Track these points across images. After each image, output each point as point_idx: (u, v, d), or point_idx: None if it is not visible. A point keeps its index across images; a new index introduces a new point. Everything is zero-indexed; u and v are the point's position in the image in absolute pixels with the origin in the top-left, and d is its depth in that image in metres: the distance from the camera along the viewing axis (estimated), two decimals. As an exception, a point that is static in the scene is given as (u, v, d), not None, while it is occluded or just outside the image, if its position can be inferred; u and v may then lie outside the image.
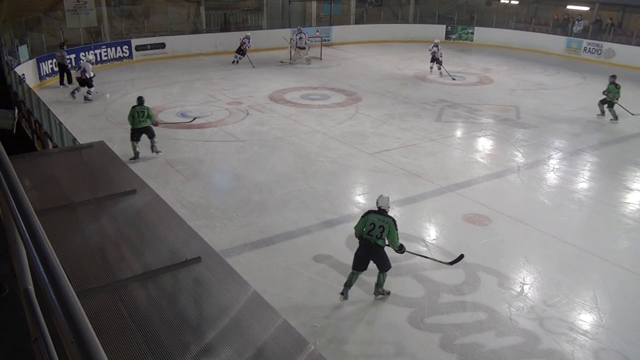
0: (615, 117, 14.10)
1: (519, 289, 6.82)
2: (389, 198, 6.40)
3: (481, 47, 25.20)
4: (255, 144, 11.67)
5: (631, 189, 10.17)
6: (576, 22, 24.61)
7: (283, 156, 11.09)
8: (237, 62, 19.74)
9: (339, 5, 26.50)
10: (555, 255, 7.69)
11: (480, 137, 12.81)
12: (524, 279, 7.07)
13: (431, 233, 8.24)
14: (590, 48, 22.85)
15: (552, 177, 10.57)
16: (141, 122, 10.43)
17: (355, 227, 6.34)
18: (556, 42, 24.18)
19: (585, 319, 6.30)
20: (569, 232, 8.32)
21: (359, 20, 26.87)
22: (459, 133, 13.18)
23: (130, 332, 2.36)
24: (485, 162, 11.22)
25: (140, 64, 19.64)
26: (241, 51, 19.83)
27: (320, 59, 21.26)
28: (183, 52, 20.74)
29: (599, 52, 22.56)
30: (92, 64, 15.08)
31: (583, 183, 10.45)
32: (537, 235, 8.22)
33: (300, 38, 20.44)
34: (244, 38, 19.99)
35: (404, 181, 10.00)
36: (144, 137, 10.57)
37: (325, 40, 23.23)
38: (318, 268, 7.14)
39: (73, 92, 14.81)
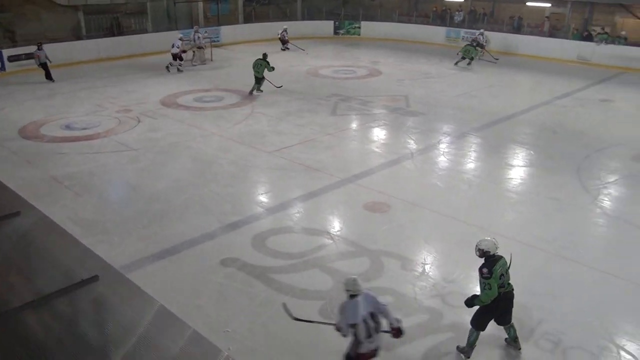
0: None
1: (420, 270, 7.16)
2: (494, 240, 5.46)
3: (369, 41, 26.02)
4: (150, 152, 11.28)
5: (512, 165, 11.01)
6: (456, 12, 26.14)
7: (180, 162, 10.82)
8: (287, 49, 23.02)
9: (226, 5, 26.18)
10: (452, 234, 8.17)
11: (374, 127, 13.26)
12: (424, 259, 7.44)
13: (335, 225, 8.42)
14: (467, 37, 24.31)
15: (443, 161, 11.18)
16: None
17: (491, 292, 5.22)
18: (437, 33, 25.54)
19: (482, 291, 6.74)
20: (462, 211, 8.85)
21: (247, 19, 26.73)
22: (354, 125, 13.54)
23: (24, 365, 2.21)
24: (380, 151, 11.63)
25: (16, 75, 18.22)
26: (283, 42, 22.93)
27: (211, 60, 20.91)
28: (63, 60, 19.50)
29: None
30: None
31: (470, 164, 11.16)
32: (434, 216, 8.68)
33: (198, 37, 20.03)
34: (282, 32, 23.10)
35: (304, 176, 10.13)
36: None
37: (214, 41, 22.87)
38: (226, 272, 7.06)
39: None
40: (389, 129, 13.18)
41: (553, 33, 23.53)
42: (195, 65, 19.81)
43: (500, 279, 5.24)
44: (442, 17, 26.55)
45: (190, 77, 18.26)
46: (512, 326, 5.66)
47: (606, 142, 12.22)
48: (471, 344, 5.59)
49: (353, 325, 4.71)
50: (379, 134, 12.91)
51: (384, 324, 4.87)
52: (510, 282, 5.41)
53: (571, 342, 5.81)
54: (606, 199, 9.42)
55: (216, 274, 7.03)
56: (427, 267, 7.23)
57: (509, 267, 5.47)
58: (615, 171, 10.65)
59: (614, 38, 21.40)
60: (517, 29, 24.42)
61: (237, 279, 6.92)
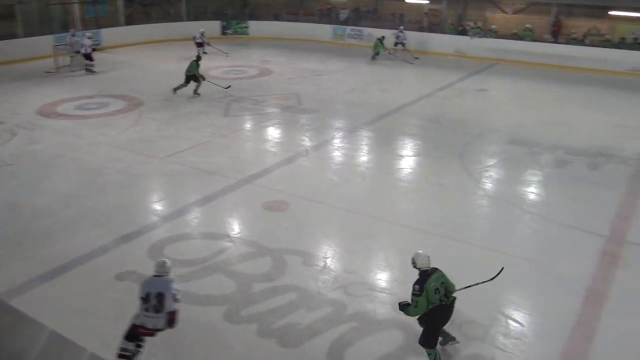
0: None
1: (322, 264, 7.29)
2: (428, 256, 5.36)
3: (257, 40, 25.95)
4: (29, 166, 10.47)
5: (402, 156, 11.52)
6: (341, 10, 26.79)
7: (65, 174, 10.16)
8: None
9: (104, 7, 24.89)
10: (349, 226, 8.39)
11: (268, 126, 13.26)
12: (325, 253, 7.58)
13: (234, 227, 8.34)
14: (353, 34, 25.04)
15: (337, 156, 11.44)
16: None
17: (414, 311, 5.24)
18: (324, 31, 26.01)
19: (381, 278, 7.02)
20: (358, 203, 9.12)
21: (129, 21, 25.55)
22: (247, 125, 13.46)
23: None
24: (276, 150, 11.67)
25: None
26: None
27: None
28: None
29: (361, 37, 24.84)
30: None
31: (363, 157, 11.52)
32: (332, 210, 8.86)
33: (76, 41, 18.79)
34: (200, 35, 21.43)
35: (200, 180, 9.92)
36: None
37: (95, 45, 21.67)
38: (122, 286, 6.74)
39: None
40: (283, 128, 13.26)
41: (432, 28, 24.85)
42: (74, 72, 18.65)
43: (435, 293, 5.17)
44: (328, 15, 27.11)
45: (70, 84, 17.16)
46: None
47: (484, 128, 13.14)
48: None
49: (140, 298, 5.25)
50: (273, 133, 12.94)
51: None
52: (452, 294, 5.39)
53: (465, 317, 6.18)
54: (487, 181, 10.13)
55: (112, 289, 6.69)
56: (328, 261, 7.37)
57: (491, 279, 5.54)
58: (493, 155, 11.47)
59: (486, 32, 23.01)
60: (400, 25, 25.50)
61: (135, 292, 6.62)
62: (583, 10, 22.83)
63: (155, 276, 5.40)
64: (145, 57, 20.67)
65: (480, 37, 22.53)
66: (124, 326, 5.26)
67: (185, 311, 6.25)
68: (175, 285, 5.36)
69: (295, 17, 28.00)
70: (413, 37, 21.94)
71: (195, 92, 15.66)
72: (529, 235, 8.22)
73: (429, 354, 5.35)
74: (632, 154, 11.47)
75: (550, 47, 21.54)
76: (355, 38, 24.96)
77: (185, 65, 15.56)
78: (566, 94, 16.92)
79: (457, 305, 5.54)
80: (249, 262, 7.32)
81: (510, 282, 6.92)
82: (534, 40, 22.00)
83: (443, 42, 23.26)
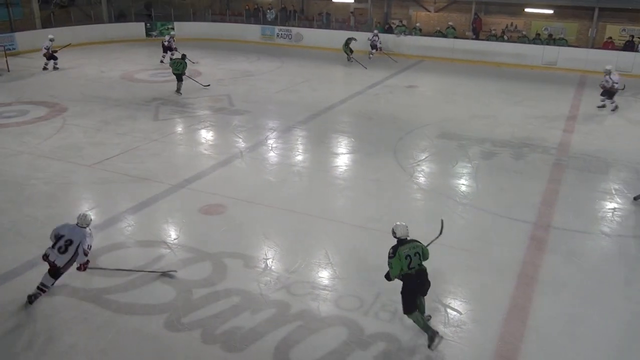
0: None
1: (263, 265, 7.24)
2: (406, 226, 5.91)
3: (184, 42, 25.28)
4: (-57, 180, 9.78)
5: (337, 153, 11.64)
6: (267, 10, 26.69)
7: (-17, 187, 9.56)
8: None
9: (18, 9, 23.57)
10: (289, 226, 8.39)
11: (200, 129, 13.02)
12: (266, 254, 7.53)
13: (171, 233, 8.13)
14: (281, 34, 25.02)
15: (272, 156, 11.39)
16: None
17: (391, 273, 5.78)
18: (252, 31, 25.84)
19: (323, 275, 7.06)
20: (296, 202, 9.13)
21: (46, 24, 24.28)
22: (179, 129, 13.16)
23: None
24: (210, 153, 11.48)
25: None
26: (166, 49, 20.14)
27: (8, 70, 18.70)
28: None
29: (290, 37, 24.88)
30: None
31: (299, 156, 11.53)
32: (270, 211, 8.82)
33: None
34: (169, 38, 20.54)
35: (132, 187, 9.61)
36: None
37: (9, 50, 20.50)
38: (54, 302, 6.42)
39: None
40: (216, 130, 13.05)
41: (359, 27, 25.24)
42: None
43: (406, 259, 5.68)
44: (255, 15, 26.95)
45: (-17, 91, 16.14)
46: (423, 300, 5.99)
47: (415, 124, 13.50)
48: (423, 327, 5.78)
49: (54, 235, 6.36)
50: (206, 135, 12.72)
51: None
52: (422, 263, 5.82)
53: (406, 309, 6.33)
54: (420, 175, 10.41)
55: (43, 305, 6.36)
56: (269, 262, 7.33)
57: (440, 234, 6.37)
58: (425, 149, 11.81)
59: (411, 30, 23.63)
60: (327, 25, 25.75)
61: (69, 306, 6.35)
62: (500, 8, 23.92)
63: (76, 224, 6.36)
64: (66, 61, 19.71)
65: (406, 35, 23.11)
66: (59, 343, 5.03)
67: (124, 322, 6.08)
68: (89, 240, 6.29)
69: (221, 17, 27.67)
70: (341, 36, 22.15)
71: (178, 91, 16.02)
72: (463, 225, 8.52)
73: (414, 320, 5.82)
74: (553, 144, 12.14)
75: (471, 43, 22.43)
76: (285, 38, 24.97)
77: (108, 69, 15.00)
78: (489, 88, 17.66)
79: (396, 297, 5.69)
80: (188, 268, 7.16)
81: (446, 272, 7.17)
82: (457, 37, 22.83)
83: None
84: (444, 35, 22.84)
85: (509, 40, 22.09)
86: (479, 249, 7.77)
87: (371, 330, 6.00)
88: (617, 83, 14.30)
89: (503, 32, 23.03)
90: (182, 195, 9.37)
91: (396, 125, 13.37)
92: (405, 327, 6.02)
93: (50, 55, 18.98)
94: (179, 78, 15.91)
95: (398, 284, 5.79)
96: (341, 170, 10.72)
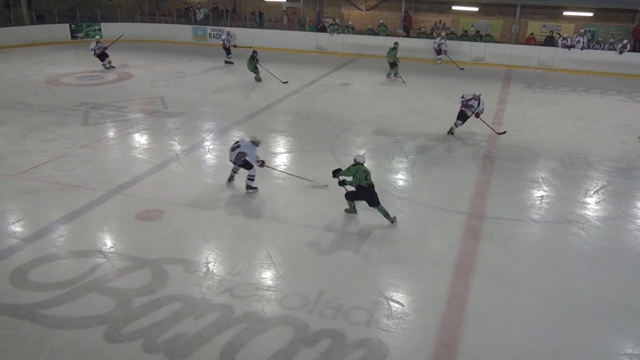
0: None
1: (205, 269, 7.12)
2: (363, 155, 8.43)
3: (112, 43, 24.51)
4: None
5: (276, 153, 11.60)
6: (197, 10, 26.22)
7: None
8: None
9: None
10: (229, 228, 8.30)
11: (133, 133, 12.64)
12: (207, 258, 7.41)
13: (107, 242, 7.85)
14: (214, 34, 24.67)
15: (209, 158, 11.22)
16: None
17: (346, 174, 8.27)
18: (183, 31, 25.35)
19: (266, 276, 7.02)
20: (236, 204, 9.05)
21: (-41, 26, 22.91)
22: (111, 133, 12.71)
23: None
24: (144, 157, 11.16)
25: None
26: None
27: None
28: None
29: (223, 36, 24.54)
30: None
31: (237, 157, 11.40)
32: (209, 214, 8.69)
33: None
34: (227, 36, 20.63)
35: (63, 196, 9.20)
36: None
37: None
38: (-18, 320, 6.07)
39: None
40: (150, 133, 12.70)
41: (292, 26, 25.27)
42: None
43: (364, 173, 8.12)
44: (186, 16, 26.44)
45: None
46: (381, 207, 8.30)
47: (351, 121, 13.66)
48: (352, 207, 8.62)
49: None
50: (139, 139, 12.35)
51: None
52: (369, 180, 8.16)
53: (350, 304, 6.41)
54: (359, 171, 10.53)
55: (-31, 325, 5.99)
56: (210, 266, 7.22)
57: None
58: (362, 146, 11.98)
59: (344, 28, 23.89)
60: (260, 24, 25.62)
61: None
62: (429, 6, 24.61)
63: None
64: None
65: (340, 33, 23.34)
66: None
67: (60, 337, 5.83)
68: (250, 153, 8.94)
69: (151, 17, 26.96)
70: (275, 36, 22.08)
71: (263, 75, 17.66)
72: (401, 219, 8.69)
73: (348, 204, 8.64)
74: (483, 137, 12.62)
75: (402, 40, 22.91)
76: (217, 38, 24.63)
77: (32, 73, 14.27)
78: (420, 84, 18.13)
79: (339, 294, 5.74)
80: (126, 276, 6.94)
81: (387, 266, 7.31)
82: (388, 35, 23.29)
83: (304, 39, 23.77)
84: (376, 33, 23.24)
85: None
86: (418, 242, 7.97)
87: (316, 328, 6.02)
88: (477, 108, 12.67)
89: (432, 29, 23.70)
90: (117, 202, 9.07)
91: (333, 123, 13.48)
92: (350, 323, 6.09)
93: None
94: (253, 71, 17.60)
95: (342, 275, 5.83)
96: (280, 169, 10.69)
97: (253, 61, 17.61)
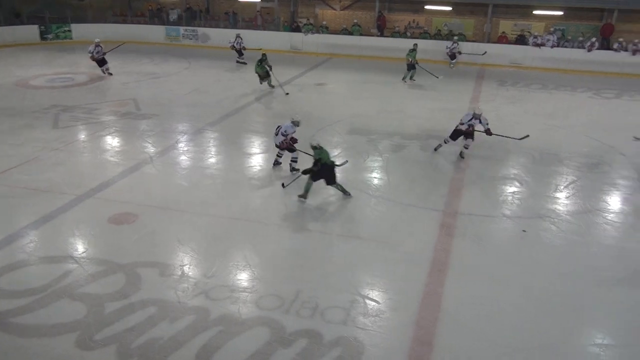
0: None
1: (180, 272, 7.05)
2: (318, 141, 9.03)
3: (83, 44, 24.06)
4: None
5: (250, 154, 11.55)
6: (170, 10, 25.95)
7: None
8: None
9: None
10: (204, 230, 8.21)
11: (105, 135, 12.45)
12: (182, 261, 7.34)
13: (78, 247, 7.71)
14: (187, 34, 24.48)
15: (184, 160, 11.12)
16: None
17: (325, 157, 8.77)
18: (156, 32, 25.09)
19: (242, 278, 6.98)
20: (210, 206, 8.96)
21: None
22: (82, 136, 12.49)
23: None
24: (117, 159, 11.00)
25: None
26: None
27: None
28: None
29: (196, 37, 24.39)
30: None
31: (211, 158, 11.34)
32: (184, 216, 8.60)
33: None
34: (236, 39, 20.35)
35: (33, 200, 9.01)
36: None
37: None
38: (-51, 330, 5.92)
39: None
40: (122, 135, 12.53)
41: (266, 26, 25.18)
42: None
43: (326, 155, 8.81)
44: (159, 16, 26.15)
45: None
46: (338, 185, 9.06)
47: (326, 121, 13.67)
48: (307, 189, 8.93)
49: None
50: (112, 142, 12.17)
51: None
52: (329, 161, 8.83)
53: (326, 303, 6.41)
54: (334, 171, 10.54)
55: None
56: (185, 268, 7.15)
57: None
58: (337, 145, 11.99)
59: (318, 28, 23.90)
60: (234, 24, 25.47)
61: (-34, 334, 5.86)
62: (403, 5, 24.76)
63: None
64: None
65: (313, 33, 23.35)
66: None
67: (31, 346, 5.71)
68: (289, 130, 9.74)
69: (123, 18, 26.59)
70: (249, 36, 21.97)
71: (269, 84, 16.83)
72: (377, 217, 8.74)
73: (307, 184, 8.96)
74: (456, 134, 12.72)
75: (376, 40, 23.08)
76: (191, 39, 24.46)
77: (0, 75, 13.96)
78: (394, 84, 18.23)
79: (315, 293, 5.73)
80: (98, 281, 6.83)
81: (363, 264, 7.33)
82: (362, 34, 23.39)
83: (278, 39, 23.71)
84: (350, 33, 23.32)
85: (411, 37, 22.91)
86: (393, 240, 8.01)
87: (293, 328, 6.01)
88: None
89: (406, 28, 23.86)
90: (89, 206, 8.92)
91: (308, 123, 13.40)
92: (326, 322, 6.10)
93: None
94: (264, 76, 16.53)
95: (319, 275, 5.83)
96: (255, 170, 10.65)
97: (262, 64, 16.38)
